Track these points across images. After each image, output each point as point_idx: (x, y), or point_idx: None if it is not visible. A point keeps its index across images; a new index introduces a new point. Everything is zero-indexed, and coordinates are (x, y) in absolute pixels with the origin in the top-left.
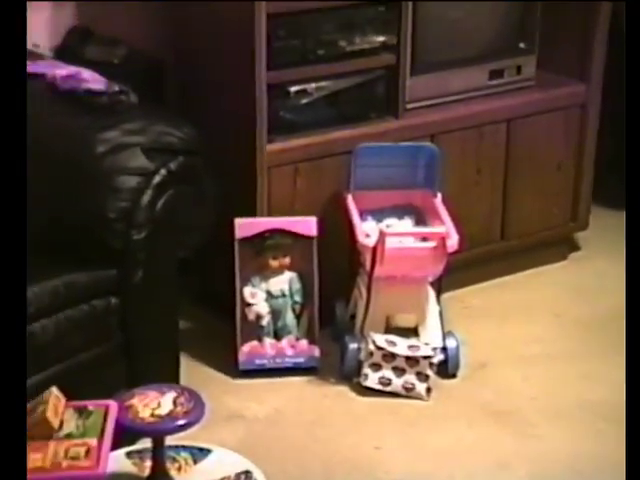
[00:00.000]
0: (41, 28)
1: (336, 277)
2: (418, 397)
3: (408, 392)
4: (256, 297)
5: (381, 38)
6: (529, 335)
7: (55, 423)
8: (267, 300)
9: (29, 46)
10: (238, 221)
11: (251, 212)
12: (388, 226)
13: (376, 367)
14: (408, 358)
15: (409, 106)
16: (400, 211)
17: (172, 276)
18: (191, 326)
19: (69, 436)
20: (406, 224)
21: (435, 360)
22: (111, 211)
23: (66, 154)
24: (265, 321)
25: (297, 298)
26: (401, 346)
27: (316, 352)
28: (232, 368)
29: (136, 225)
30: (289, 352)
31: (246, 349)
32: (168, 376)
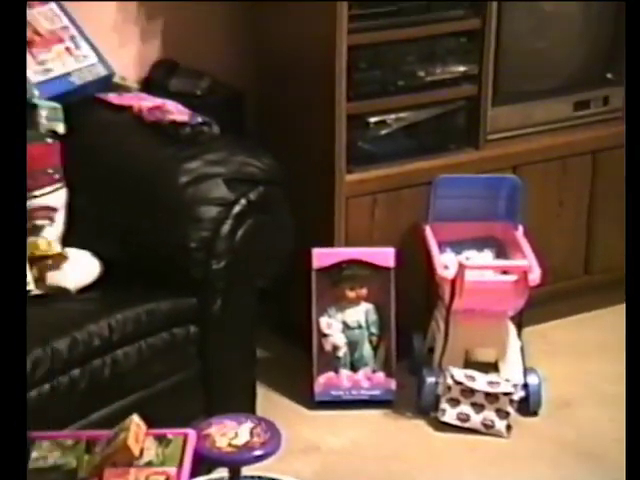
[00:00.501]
0: (129, 62)
1: (413, 309)
2: (498, 434)
3: (487, 429)
4: (332, 328)
5: (462, 68)
6: (614, 373)
7: (136, 450)
8: (343, 331)
9: (117, 79)
10: (316, 251)
11: (329, 242)
12: (467, 258)
13: (454, 402)
14: (488, 394)
15: (490, 137)
16: (480, 243)
17: (250, 305)
18: (268, 355)
19: (149, 464)
20: (486, 257)
21: (516, 397)
22: (192, 240)
23: (150, 184)
24: (341, 352)
25: (374, 330)
26: (480, 381)
27: (393, 385)
28: (308, 399)
29: (216, 254)
30: (365, 384)
31: (322, 380)
32: (244, 405)
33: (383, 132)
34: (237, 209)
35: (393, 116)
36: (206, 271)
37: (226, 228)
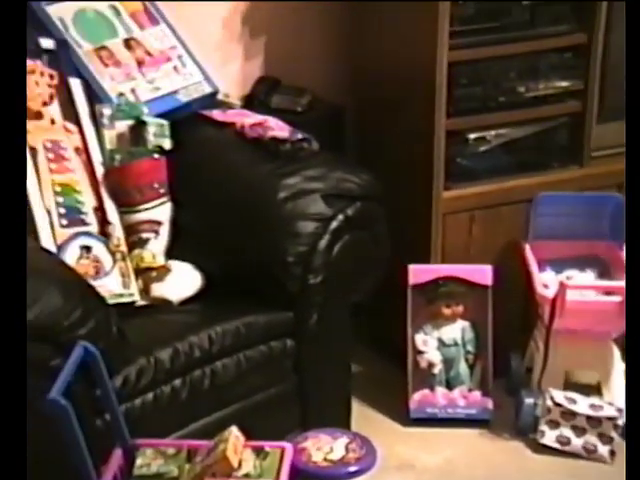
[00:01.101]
0: (232, 79)
1: (511, 328)
2: (600, 460)
3: (589, 454)
4: (428, 345)
5: (566, 84)
6: None
7: (235, 462)
8: (439, 348)
9: (221, 96)
10: (412, 267)
11: (425, 259)
12: (568, 277)
13: (554, 424)
14: (590, 418)
15: (594, 154)
16: (582, 262)
17: (346, 320)
18: (362, 370)
19: (247, 476)
20: (588, 276)
21: (620, 422)
22: (290, 255)
23: (250, 199)
24: (437, 369)
25: (470, 348)
26: (582, 404)
27: (489, 404)
28: (402, 415)
29: (313, 269)
30: (461, 403)
31: (417, 397)
32: (339, 420)
33: (482, 149)
34: (334, 225)
35: (493, 132)
36: (303, 285)
37: (323, 243)
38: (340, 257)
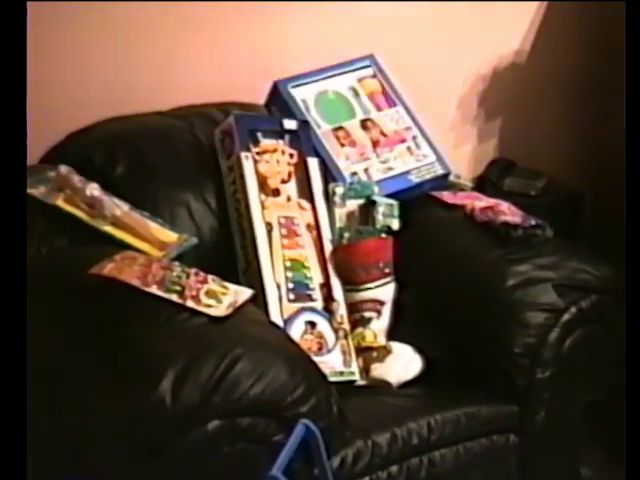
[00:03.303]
0: (465, 160)
1: None
2: None
3: None
4: None
5: None
6: None
7: None
8: None
9: (452, 177)
10: None
11: None
12: None
13: None
14: None
15: None
16: None
17: (576, 419)
18: (593, 475)
19: None
20: None
21: None
22: (517, 346)
23: (477, 283)
24: None
25: None
26: None
27: None
28: None
29: (541, 363)
30: None
31: None
32: None
33: None
34: (566, 317)
35: None
36: (530, 379)
37: (554, 336)
38: (572, 352)
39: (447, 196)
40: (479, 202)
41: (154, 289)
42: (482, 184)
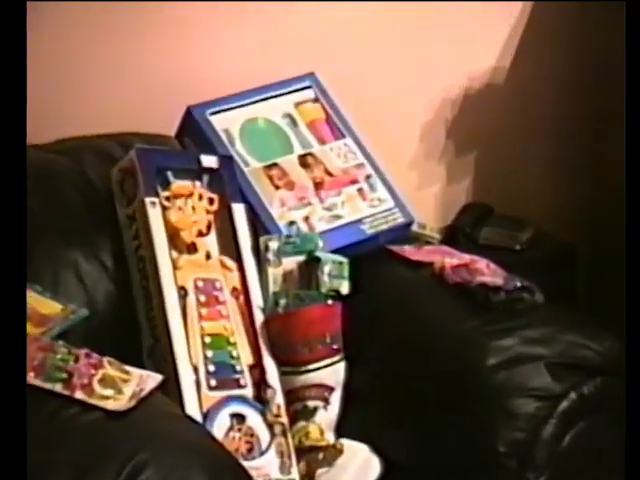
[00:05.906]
0: (429, 206)
1: None
2: None
3: None
4: None
5: None
6: None
7: None
8: None
9: (416, 227)
10: None
11: None
12: None
13: None
14: None
15: None
16: None
17: None
18: None
19: None
20: None
21: None
22: (502, 443)
23: (450, 363)
24: None
25: None
26: None
27: None
28: None
29: (534, 465)
30: None
31: None
32: None
33: None
34: (565, 405)
35: None
36: None
37: (549, 430)
38: (572, 450)
39: (410, 251)
40: (450, 259)
41: (30, 377)
42: (453, 236)
